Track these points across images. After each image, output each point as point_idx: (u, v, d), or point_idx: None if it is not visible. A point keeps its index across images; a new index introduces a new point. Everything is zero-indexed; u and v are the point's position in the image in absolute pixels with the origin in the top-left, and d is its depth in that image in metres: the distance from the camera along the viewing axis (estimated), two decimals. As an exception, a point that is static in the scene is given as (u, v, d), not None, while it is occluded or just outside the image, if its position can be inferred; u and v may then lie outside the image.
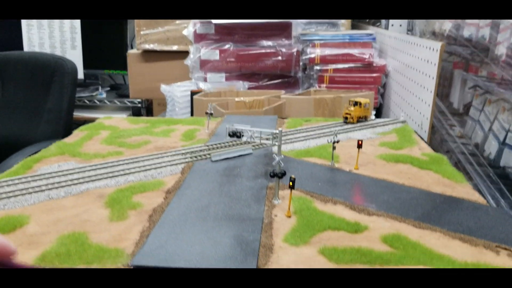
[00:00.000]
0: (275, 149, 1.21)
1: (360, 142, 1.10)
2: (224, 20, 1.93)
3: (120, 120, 1.55)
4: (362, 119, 1.51)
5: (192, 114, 1.78)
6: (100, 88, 3.09)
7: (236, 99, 1.68)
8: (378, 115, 2.06)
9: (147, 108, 2.91)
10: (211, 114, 1.39)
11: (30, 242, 0.76)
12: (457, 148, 1.73)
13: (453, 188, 1.01)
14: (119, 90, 3.06)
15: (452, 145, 1.76)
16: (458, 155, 1.68)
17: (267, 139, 0.92)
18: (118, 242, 0.77)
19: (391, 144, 1.30)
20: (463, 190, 1.00)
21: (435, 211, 0.89)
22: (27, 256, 0.72)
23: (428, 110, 1.51)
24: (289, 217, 0.86)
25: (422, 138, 1.41)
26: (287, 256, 0.73)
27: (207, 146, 1.23)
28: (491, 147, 1.53)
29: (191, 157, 1.15)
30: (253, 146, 1.23)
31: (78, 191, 0.96)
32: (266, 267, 0.70)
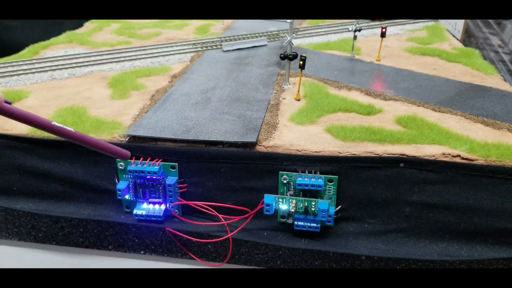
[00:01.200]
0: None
1: (383, 30, 1.01)
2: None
3: (133, 15, 1.48)
4: (390, 16, 1.39)
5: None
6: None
7: (257, -3, 1.58)
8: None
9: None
10: (227, 6, 1.30)
11: (27, 113, 0.74)
12: (496, 56, 1.60)
13: (482, 79, 0.92)
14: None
15: (490, 54, 1.63)
16: (496, 63, 1.56)
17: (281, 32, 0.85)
18: (116, 116, 0.74)
19: (420, 39, 1.20)
20: (493, 81, 0.92)
21: (459, 97, 0.81)
22: (22, 125, 0.70)
23: (465, 7, 1.37)
24: (298, 100, 0.81)
25: (454, 37, 1.29)
26: (290, 133, 0.69)
27: (220, 38, 1.16)
28: (532, 50, 1.40)
29: (201, 48, 1.09)
30: (269, 38, 1.16)
31: (82, 73, 0.93)
32: (267, 142, 0.66)
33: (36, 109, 0.76)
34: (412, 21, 1.38)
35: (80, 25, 1.35)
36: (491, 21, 1.75)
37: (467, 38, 1.56)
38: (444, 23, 1.47)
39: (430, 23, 1.38)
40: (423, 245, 0.64)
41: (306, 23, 1.38)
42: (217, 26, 1.32)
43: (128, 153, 0.52)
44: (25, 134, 0.69)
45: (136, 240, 0.73)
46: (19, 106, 0.76)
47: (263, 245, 0.69)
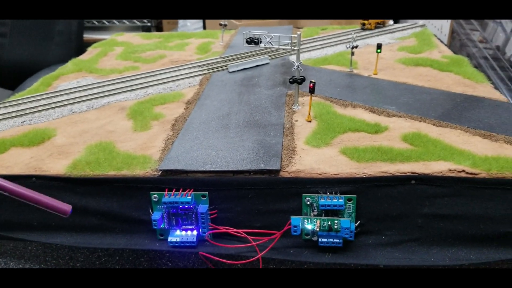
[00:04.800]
0: (292, 57, 1.21)
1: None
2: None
3: (132, 36, 1.53)
4: (380, 24, 1.46)
5: (204, 28, 1.75)
6: (107, 8, 3.01)
7: (249, 10, 1.63)
8: (397, 20, 1.99)
9: (157, 27, 2.84)
10: (225, 25, 1.35)
11: (60, 152, 0.79)
12: (478, 52, 1.68)
13: (474, 88, 1.00)
14: (127, 10, 2.97)
15: (472, 50, 1.71)
16: (479, 59, 1.64)
17: (285, 45, 0.91)
18: (144, 150, 0.79)
19: (410, 48, 1.27)
20: (484, 89, 0.99)
21: (456, 110, 0.89)
22: (58, 165, 0.75)
23: (449, 12, 1.45)
24: (310, 121, 0.87)
25: (442, 42, 1.37)
26: (309, 157, 0.75)
27: (223, 58, 1.21)
28: (513, 49, 1.49)
29: (208, 69, 1.14)
30: (270, 55, 1.21)
31: (100, 104, 0.98)
32: (289, 167, 0.72)
33: (67, 147, 0.80)
34: (400, 28, 1.45)
35: (82, 50, 1.38)
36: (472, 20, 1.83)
37: (452, 40, 1.64)
38: (431, 27, 1.55)
39: (417, 29, 1.45)
40: (435, 252, 0.71)
41: (301, 36, 1.43)
42: (216, 44, 1.37)
43: (69, 209, 0.51)
44: (62, 174, 0.74)
45: (170, 264, 0.79)
46: (50, 145, 0.81)
47: (289, 262, 0.76)
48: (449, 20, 1.45)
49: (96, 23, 2.89)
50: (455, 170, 0.70)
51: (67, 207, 0.50)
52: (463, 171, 0.69)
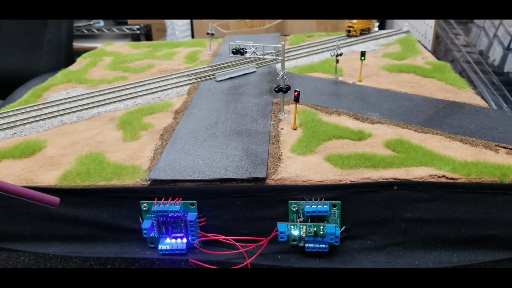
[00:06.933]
0: (278, 65, 1.23)
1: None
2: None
3: (121, 46, 1.54)
4: (365, 31, 1.49)
5: (192, 37, 1.77)
6: (97, 16, 3.02)
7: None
8: (382, 27, 2.02)
9: (146, 35, 2.86)
10: (212, 34, 1.38)
11: (51, 164, 0.80)
12: (462, 57, 1.72)
13: (456, 93, 1.03)
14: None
15: (457, 54, 1.74)
16: (463, 64, 1.67)
17: (270, 54, 0.93)
18: (133, 160, 0.81)
19: (394, 54, 1.29)
20: (466, 95, 1.02)
21: (437, 116, 0.91)
22: (49, 176, 0.77)
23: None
24: (295, 129, 0.89)
25: (425, 48, 1.40)
26: (294, 164, 0.77)
27: (211, 66, 1.23)
28: (496, 53, 1.52)
29: (196, 78, 1.16)
30: (257, 64, 1.23)
31: (90, 115, 0.99)
32: (275, 175, 0.74)
33: (57, 158, 0.82)
34: (385, 34, 1.48)
35: (72, 59, 1.40)
36: (454, 24, 1.87)
37: (438, 45, 1.67)
38: (415, 33, 1.58)
39: (402, 35, 1.48)
40: (419, 255, 0.73)
41: (288, 43, 1.46)
42: (204, 53, 1.39)
43: (57, 200, 0.51)
44: (53, 185, 0.75)
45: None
46: (41, 157, 0.82)
47: (277, 267, 0.77)
48: (433, 27, 1.48)
49: (85, 31, 2.90)
50: (435, 175, 0.72)
51: (55, 199, 0.50)
52: (444, 176, 0.72)
